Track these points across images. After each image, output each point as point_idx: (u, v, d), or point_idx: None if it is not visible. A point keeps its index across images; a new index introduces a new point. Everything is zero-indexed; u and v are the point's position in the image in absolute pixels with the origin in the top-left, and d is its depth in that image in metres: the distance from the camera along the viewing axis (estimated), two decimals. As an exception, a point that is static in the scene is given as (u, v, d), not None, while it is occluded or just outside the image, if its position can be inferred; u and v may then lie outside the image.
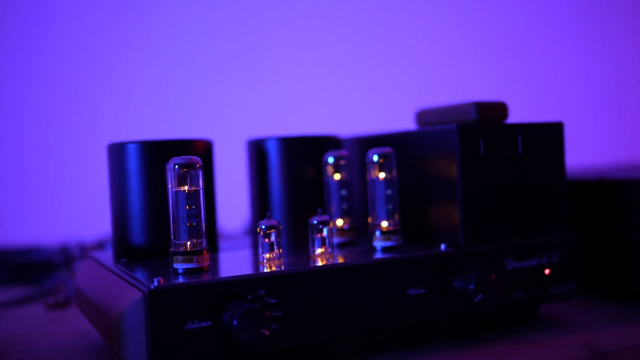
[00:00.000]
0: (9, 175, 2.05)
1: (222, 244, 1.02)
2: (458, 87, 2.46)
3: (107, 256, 0.96)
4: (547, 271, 0.87)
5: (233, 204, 1.54)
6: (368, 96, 2.43)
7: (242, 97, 2.28)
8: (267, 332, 0.68)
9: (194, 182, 0.75)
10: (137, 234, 0.89)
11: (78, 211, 2.05)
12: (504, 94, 1.02)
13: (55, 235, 1.72)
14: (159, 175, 0.87)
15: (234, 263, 0.83)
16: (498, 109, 0.89)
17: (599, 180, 1.01)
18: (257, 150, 1.02)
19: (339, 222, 0.94)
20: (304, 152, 0.99)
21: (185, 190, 0.75)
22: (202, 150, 0.93)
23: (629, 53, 2.90)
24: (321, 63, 2.42)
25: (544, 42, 2.80)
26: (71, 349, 0.91)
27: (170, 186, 0.76)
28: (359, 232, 1.02)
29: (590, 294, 1.04)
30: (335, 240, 0.93)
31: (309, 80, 2.39)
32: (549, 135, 0.89)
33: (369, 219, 0.89)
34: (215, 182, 0.97)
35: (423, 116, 0.99)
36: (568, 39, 2.85)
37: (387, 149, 0.88)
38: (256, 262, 0.81)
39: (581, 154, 2.15)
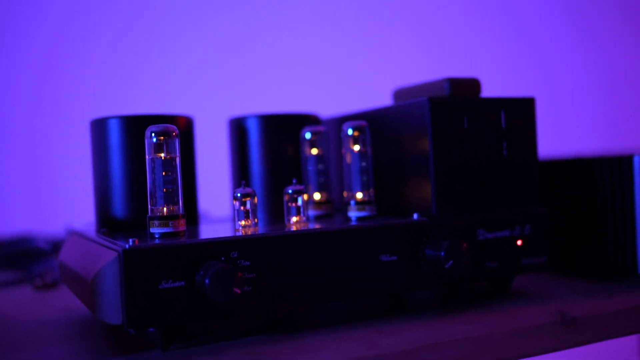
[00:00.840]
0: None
1: (204, 222, 1.04)
2: (436, 67, 2.49)
3: (89, 229, 0.97)
4: (519, 242, 0.89)
5: (221, 191, 1.56)
6: (348, 78, 2.46)
7: (225, 78, 2.31)
8: (238, 291, 0.70)
9: (170, 150, 0.77)
10: (118, 206, 0.91)
11: (66, 200, 2.07)
12: (479, 72, 1.04)
13: (44, 224, 1.73)
14: (140, 149, 0.89)
15: (210, 231, 0.85)
16: (471, 85, 0.91)
17: (575, 159, 1.03)
18: (238, 128, 1.04)
19: (317, 196, 0.96)
20: (283, 129, 1.02)
21: (161, 157, 0.77)
22: (183, 126, 0.95)
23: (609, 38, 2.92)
24: (303, 46, 2.44)
25: (519, 22, 2.83)
26: (56, 323, 0.93)
27: (147, 153, 0.78)
28: (336, 207, 1.04)
29: (563, 270, 1.06)
30: (312, 213, 0.95)
31: (291, 62, 2.42)
32: (521, 110, 0.91)
33: (344, 193, 0.91)
34: (197, 157, 0.99)
35: (400, 94, 1.02)
36: (543, 18, 2.88)
37: (361, 122, 0.90)
38: (232, 229, 0.83)
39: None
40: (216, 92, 2.28)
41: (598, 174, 0.97)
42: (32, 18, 2.16)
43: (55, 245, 1.54)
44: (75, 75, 2.23)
